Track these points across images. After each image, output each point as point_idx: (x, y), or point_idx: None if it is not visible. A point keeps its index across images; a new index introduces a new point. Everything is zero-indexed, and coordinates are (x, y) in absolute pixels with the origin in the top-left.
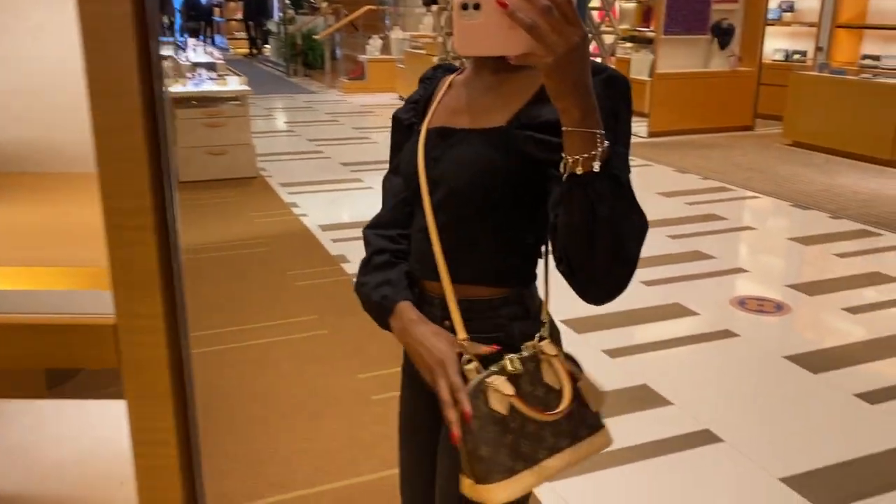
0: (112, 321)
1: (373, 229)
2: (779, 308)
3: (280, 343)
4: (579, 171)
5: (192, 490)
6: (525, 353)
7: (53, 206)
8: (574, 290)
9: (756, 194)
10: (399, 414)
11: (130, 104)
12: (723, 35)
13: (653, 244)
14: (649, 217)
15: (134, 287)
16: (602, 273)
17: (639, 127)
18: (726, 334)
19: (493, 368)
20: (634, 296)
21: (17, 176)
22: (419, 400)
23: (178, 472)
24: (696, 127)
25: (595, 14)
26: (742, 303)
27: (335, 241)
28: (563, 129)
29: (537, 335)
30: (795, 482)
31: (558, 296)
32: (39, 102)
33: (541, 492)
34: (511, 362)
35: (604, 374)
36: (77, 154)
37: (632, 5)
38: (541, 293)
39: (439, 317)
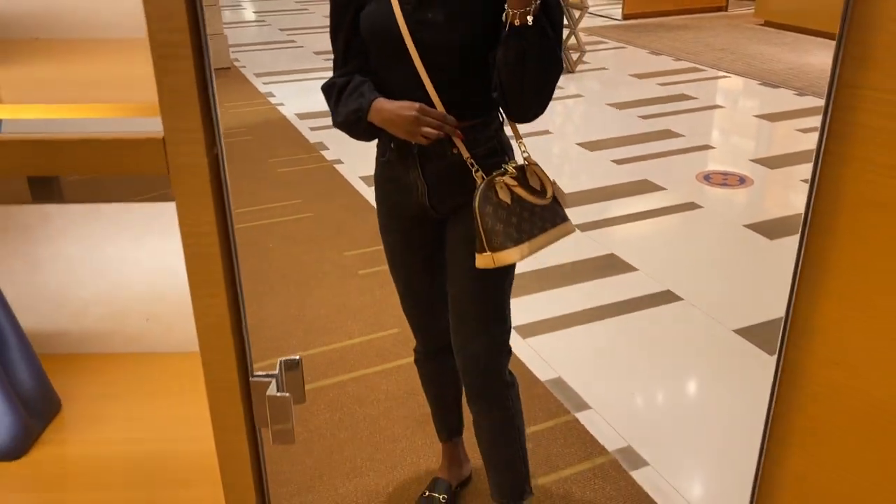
0: (161, 136)
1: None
2: (742, 181)
3: (266, 226)
4: (517, 22)
5: (231, 270)
6: (517, 163)
7: (96, 63)
8: (504, 111)
9: (726, 74)
10: (389, 247)
11: None
12: None
13: (624, 124)
14: (622, 99)
15: (178, 107)
16: (527, 100)
17: (613, 9)
18: (691, 206)
19: (496, 173)
20: (605, 174)
21: (76, 40)
22: (408, 227)
23: (220, 257)
24: (670, 9)
25: None
26: (707, 177)
27: (313, 129)
28: None
29: (523, 153)
30: (748, 332)
31: None
32: None
33: (517, 348)
34: (509, 166)
35: (574, 246)
36: (111, 21)
37: None
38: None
39: (447, 147)
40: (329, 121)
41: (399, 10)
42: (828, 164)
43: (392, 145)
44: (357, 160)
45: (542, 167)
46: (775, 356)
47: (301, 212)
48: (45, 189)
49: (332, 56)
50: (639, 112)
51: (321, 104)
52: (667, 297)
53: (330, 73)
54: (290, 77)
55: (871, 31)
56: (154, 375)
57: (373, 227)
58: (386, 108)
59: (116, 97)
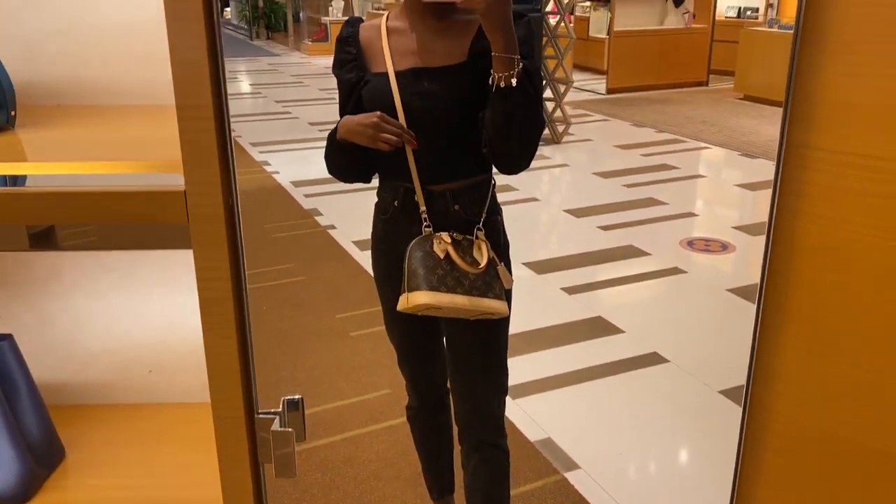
0: (182, 189)
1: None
2: (724, 247)
3: (260, 290)
4: (502, 84)
5: (241, 314)
6: (465, 236)
7: (115, 127)
8: (494, 165)
9: (707, 145)
10: (386, 302)
11: (197, 27)
12: None
13: (609, 192)
14: (607, 168)
15: (199, 163)
16: (513, 156)
17: (597, 84)
18: (675, 271)
19: (443, 233)
20: (592, 239)
21: (97, 107)
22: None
23: (232, 301)
24: (653, 83)
25: None
26: (691, 243)
27: (307, 196)
28: (493, 54)
29: (476, 227)
30: (732, 393)
31: (522, 243)
32: (119, 44)
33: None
34: (454, 234)
35: (562, 309)
36: (129, 89)
37: None
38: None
39: (450, 204)
40: (322, 187)
41: (395, 83)
42: (781, 218)
43: (396, 203)
44: (350, 225)
45: (531, 233)
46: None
47: (295, 275)
48: (43, 238)
49: (326, 126)
50: (623, 181)
51: (315, 172)
52: (653, 358)
53: (323, 143)
54: (286, 147)
55: (814, 97)
56: (157, 425)
57: (365, 290)
58: (350, 121)
59: (135, 156)
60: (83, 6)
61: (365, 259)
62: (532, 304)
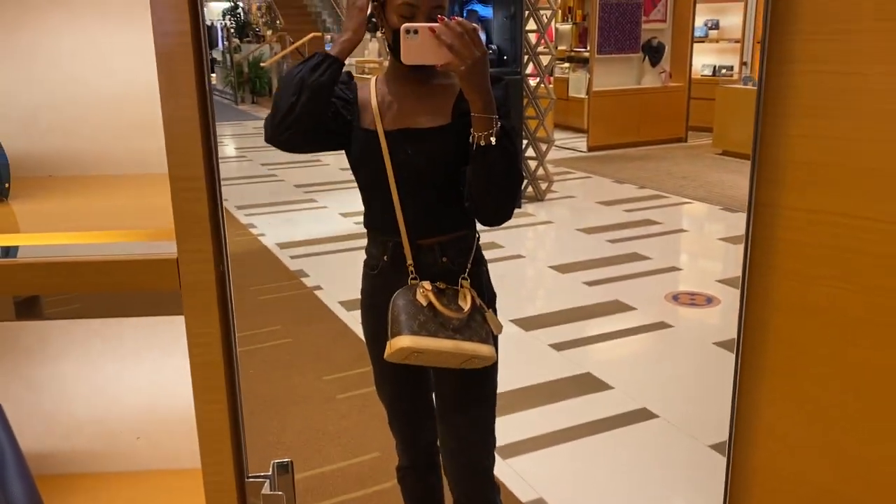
0: (175, 257)
1: None
2: (709, 301)
3: (247, 352)
4: (482, 143)
5: (231, 379)
6: (449, 287)
7: (105, 197)
8: (476, 217)
9: (689, 200)
10: (377, 362)
11: (190, 102)
12: (653, 53)
13: (593, 248)
14: (590, 224)
15: (191, 232)
16: (494, 207)
17: (578, 142)
18: (662, 326)
19: (425, 282)
20: (577, 295)
21: (89, 177)
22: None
23: (222, 366)
24: (632, 140)
25: (532, 37)
26: (676, 297)
27: (293, 257)
28: (472, 115)
29: (462, 277)
30: (722, 447)
31: (508, 300)
32: (110, 116)
33: (498, 469)
34: (438, 284)
35: (550, 365)
36: (119, 159)
37: (569, 27)
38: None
39: (438, 256)
40: (308, 248)
41: (385, 143)
42: (754, 275)
43: (385, 258)
44: (336, 286)
45: (517, 290)
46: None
47: (281, 337)
48: (28, 306)
49: (311, 188)
50: (607, 236)
51: (301, 234)
52: (643, 414)
53: (309, 205)
54: (271, 209)
55: (779, 158)
56: (145, 493)
57: (352, 352)
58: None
59: (127, 224)
60: (74, 81)
61: (351, 319)
62: (520, 360)
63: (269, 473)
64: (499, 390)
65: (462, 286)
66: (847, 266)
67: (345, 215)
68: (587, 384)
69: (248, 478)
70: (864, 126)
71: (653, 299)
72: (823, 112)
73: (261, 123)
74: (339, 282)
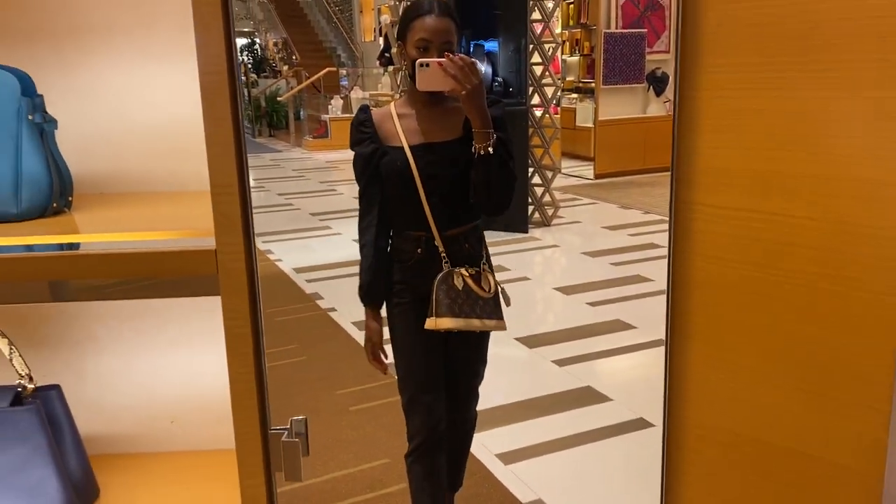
0: (213, 248)
1: (370, 231)
2: None
3: None
4: (482, 153)
5: (257, 347)
6: (475, 269)
7: (158, 208)
8: (481, 210)
9: None
10: (398, 337)
11: (225, 125)
12: (658, 83)
13: (597, 271)
14: (594, 248)
15: (227, 228)
16: (494, 204)
17: (585, 170)
18: (660, 343)
19: (460, 268)
20: (581, 315)
21: (134, 194)
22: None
23: (250, 337)
24: (638, 168)
25: (537, 69)
26: None
27: (309, 281)
28: (473, 130)
29: (483, 262)
30: None
31: (514, 320)
32: (151, 143)
33: (500, 473)
34: (468, 269)
35: (553, 380)
36: (160, 178)
37: (576, 59)
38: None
39: (462, 244)
40: (323, 273)
41: (411, 155)
42: (678, 258)
43: (419, 250)
44: (350, 307)
45: (523, 310)
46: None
47: (297, 355)
48: (62, 290)
49: (326, 216)
50: (611, 259)
51: (317, 259)
52: (640, 423)
53: (324, 232)
54: (288, 236)
55: (694, 165)
56: (177, 471)
57: (364, 368)
58: (368, 331)
59: (170, 227)
60: (121, 114)
61: (364, 338)
62: (525, 376)
63: (288, 427)
64: (501, 402)
65: (484, 270)
66: (750, 250)
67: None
68: (587, 396)
69: (271, 429)
70: (756, 138)
71: (653, 318)
72: (724, 128)
73: (278, 155)
74: (353, 304)
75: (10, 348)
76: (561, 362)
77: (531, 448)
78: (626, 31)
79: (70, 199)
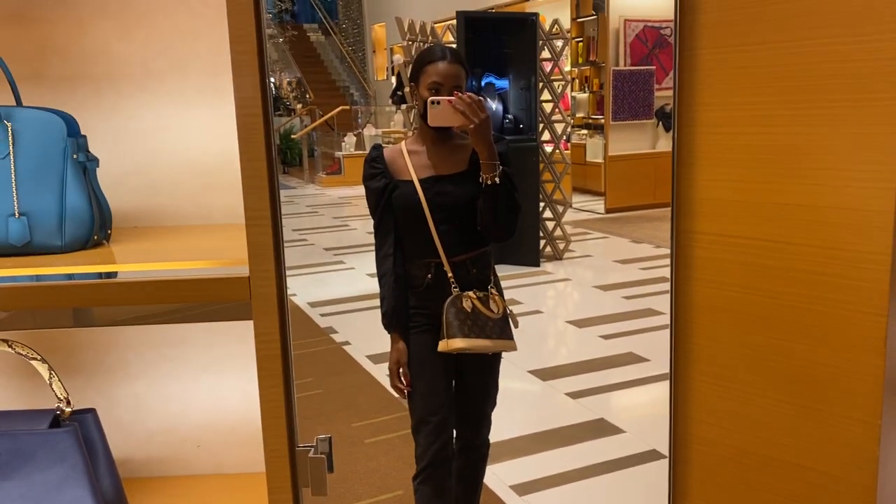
0: (246, 275)
1: (389, 261)
2: None
3: None
4: (489, 182)
5: (286, 368)
6: (483, 293)
7: (190, 240)
8: (487, 237)
9: None
10: (413, 361)
11: (260, 160)
12: (666, 119)
13: (609, 304)
14: (606, 282)
15: (259, 256)
16: (500, 231)
17: (596, 205)
18: None
19: (469, 292)
20: (593, 348)
21: (166, 227)
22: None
23: (280, 358)
24: (649, 202)
25: (547, 107)
26: None
27: (323, 315)
28: (480, 161)
29: (490, 286)
30: None
31: (527, 353)
32: (182, 179)
33: None
34: (475, 292)
35: (566, 412)
36: (189, 212)
37: (586, 96)
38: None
39: (469, 269)
40: (337, 307)
41: (420, 188)
42: (680, 283)
43: (429, 276)
44: (364, 341)
45: (536, 343)
46: None
47: (312, 389)
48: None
49: (339, 251)
50: (623, 293)
51: (331, 293)
52: (652, 455)
53: (338, 266)
54: (303, 271)
55: (692, 196)
56: (203, 494)
57: (379, 401)
58: (393, 358)
59: (204, 256)
60: (154, 152)
61: (378, 371)
62: (538, 408)
63: (314, 444)
64: (515, 434)
65: (492, 293)
66: (746, 275)
67: (371, 276)
68: (600, 429)
69: (298, 446)
70: (748, 171)
71: (666, 351)
72: (719, 162)
73: (292, 192)
74: (366, 337)
75: (50, 373)
76: (574, 395)
77: (545, 479)
78: (634, 68)
79: (109, 231)
